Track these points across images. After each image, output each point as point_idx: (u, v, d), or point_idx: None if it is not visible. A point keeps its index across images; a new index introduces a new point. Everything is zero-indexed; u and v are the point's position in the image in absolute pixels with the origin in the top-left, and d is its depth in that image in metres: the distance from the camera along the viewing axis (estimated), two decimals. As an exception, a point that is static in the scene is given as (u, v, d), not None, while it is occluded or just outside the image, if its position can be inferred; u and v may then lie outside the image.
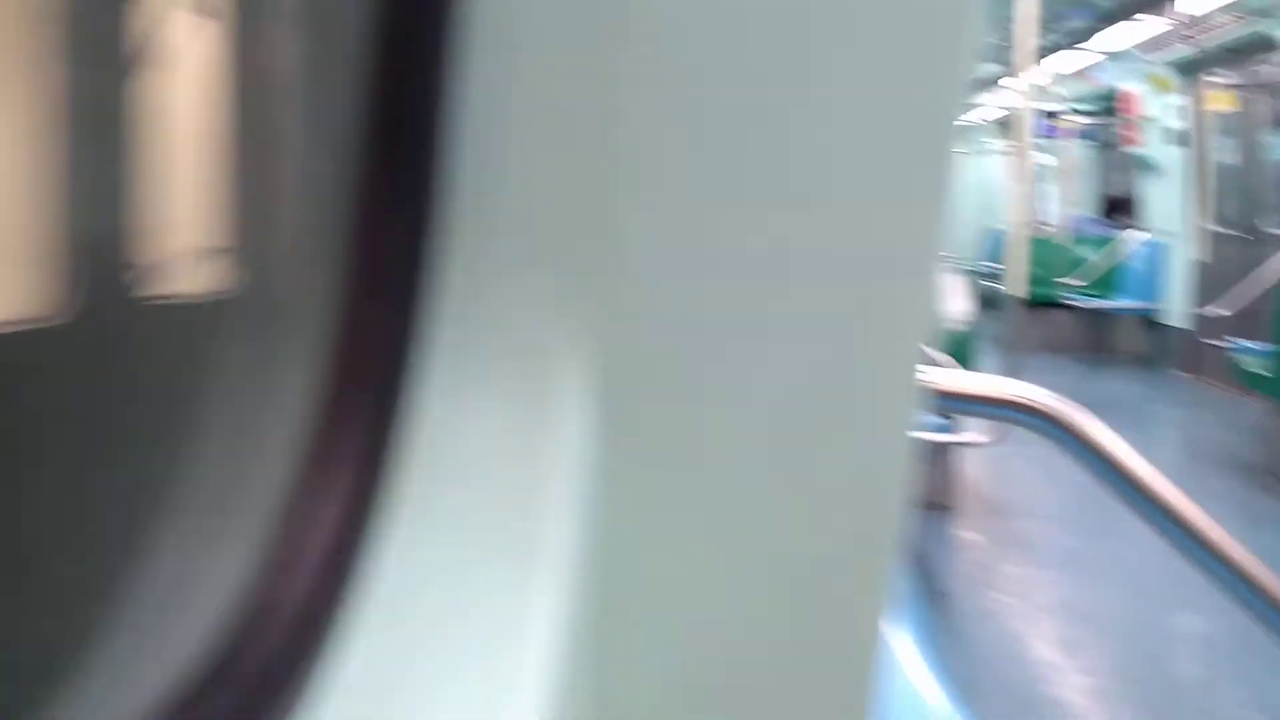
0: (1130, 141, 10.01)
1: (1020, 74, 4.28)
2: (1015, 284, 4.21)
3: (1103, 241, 10.17)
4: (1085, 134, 11.34)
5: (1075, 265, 9.71)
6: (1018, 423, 0.97)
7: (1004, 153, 13.37)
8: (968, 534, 4.71)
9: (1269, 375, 5.43)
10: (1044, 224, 12.48)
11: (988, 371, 5.08)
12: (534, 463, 0.47)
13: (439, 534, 0.46)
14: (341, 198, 0.46)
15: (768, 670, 0.51)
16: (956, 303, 5.12)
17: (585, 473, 0.48)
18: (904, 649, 0.67)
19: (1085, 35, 9.09)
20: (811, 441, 0.50)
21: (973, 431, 3.98)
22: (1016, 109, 4.67)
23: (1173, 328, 9.16)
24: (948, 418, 4.12)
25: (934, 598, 3.91)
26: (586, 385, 0.48)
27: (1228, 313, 6.80)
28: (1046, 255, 9.93)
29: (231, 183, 0.78)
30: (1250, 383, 5.74)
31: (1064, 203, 10.80)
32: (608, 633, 0.50)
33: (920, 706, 0.67)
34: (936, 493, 4.87)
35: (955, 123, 0.47)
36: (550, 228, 0.47)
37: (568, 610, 0.46)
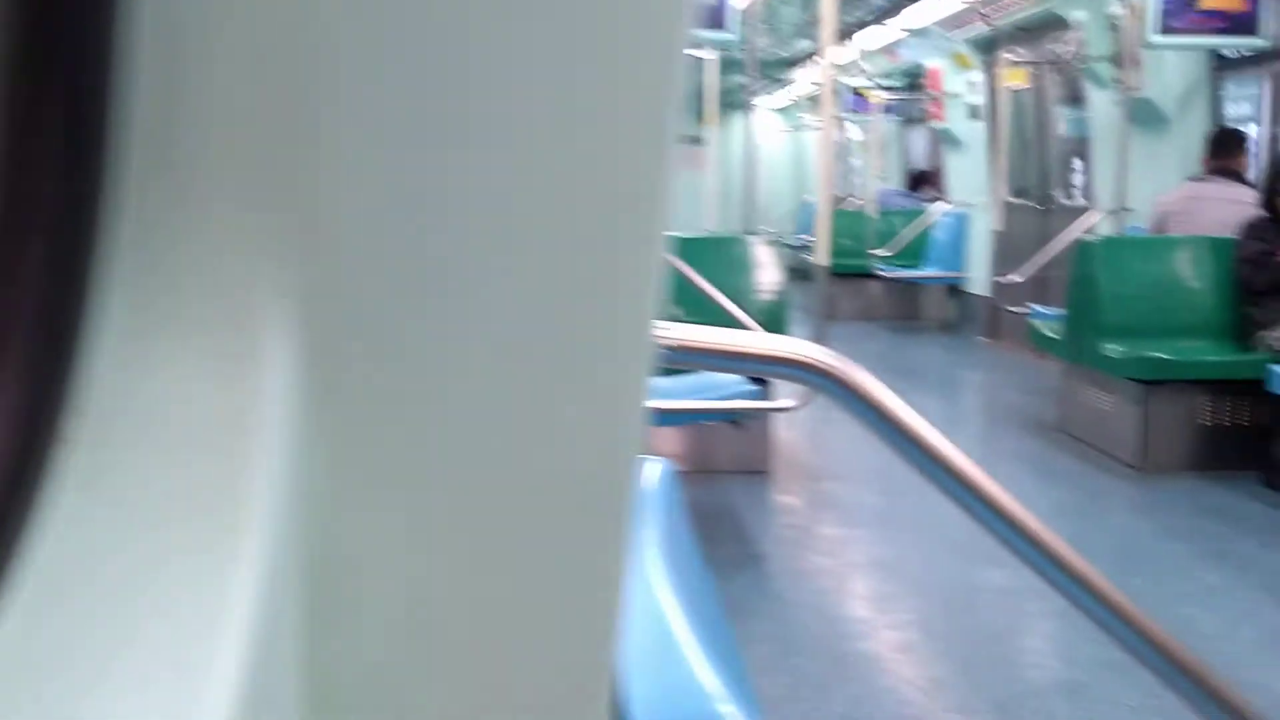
0: (934, 116, 10.39)
1: (825, 50, 4.36)
2: (822, 254, 4.33)
3: (909, 213, 10.54)
4: (891, 109, 11.72)
5: (884, 237, 10.04)
6: (791, 378, 0.96)
7: (816, 128, 13.73)
8: (783, 497, 4.82)
9: (1061, 338, 5.72)
10: (854, 197, 12.87)
11: (801, 336, 5.20)
12: (232, 417, 0.42)
13: (117, 498, 0.40)
14: None
15: (499, 640, 0.48)
16: (768, 273, 5.21)
17: (291, 427, 0.43)
18: (676, 619, 0.65)
19: (891, 12, 9.36)
20: (539, 398, 0.46)
21: (783, 397, 4.06)
22: (823, 85, 4.77)
23: (975, 295, 9.58)
24: (761, 383, 4.20)
25: (750, 561, 3.98)
26: (291, 331, 0.43)
27: (1021, 279, 7.14)
28: (856, 227, 10.24)
29: None
30: (1044, 346, 6.04)
31: (873, 176, 11.14)
32: (320, 602, 0.46)
33: (681, 678, 0.65)
34: (752, 458, 4.96)
35: (674, 94, 0.44)
36: (243, 156, 0.42)
37: (272, 578, 0.41)
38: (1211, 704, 0.95)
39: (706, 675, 0.54)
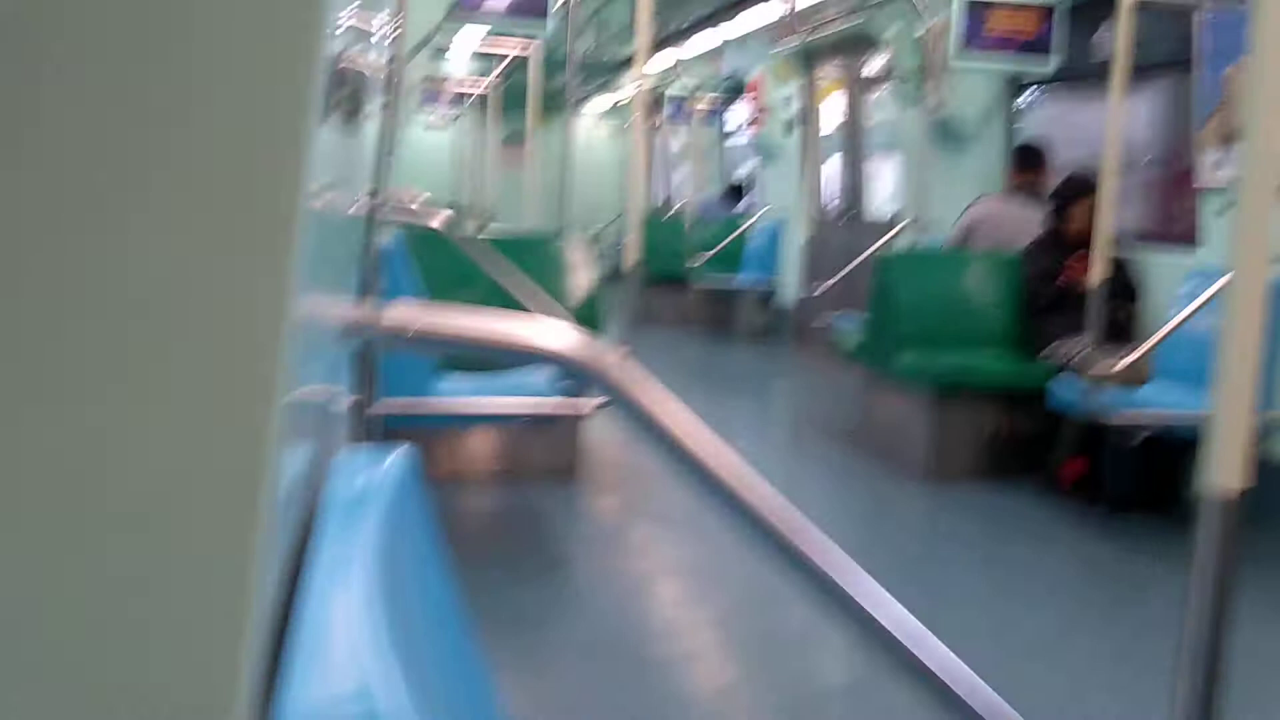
0: (753, 126, 10.61)
1: (642, 54, 4.39)
2: (632, 258, 4.37)
3: (729, 222, 10.72)
4: (712, 118, 11.90)
5: (703, 244, 10.20)
6: (566, 370, 0.93)
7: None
8: (590, 499, 4.82)
9: (860, 347, 5.90)
10: (672, 204, 13.03)
11: (610, 340, 5.21)
12: None
13: None
14: None
15: (105, 646, 0.44)
16: (583, 274, 5.21)
17: None
18: (366, 625, 0.61)
19: (713, 20, 9.50)
20: (150, 385, 0.43)
21: (589, 399, 4.05)
22: (639, 89, 4.81)
23: (786, 304, 9.81)
24: (576, 384, 4.18)
25: (554, 566, 3.96)
26: None
27: (825, 289, 7.34)
28: (674, 234, 10.36)
29: None
30: (846, 355, 6.23)
31: (693, 184, 11.30)
32: None
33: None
34: (561, 460, 4.94)
35: (307, 104, 0.43)
36: None
37: None
38: (976, 712, 0.97)
39: (388, 691, 0.51)
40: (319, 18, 0.42)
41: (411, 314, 0.85)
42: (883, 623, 0.97)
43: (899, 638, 0.97)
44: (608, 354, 0.92)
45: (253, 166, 0.42)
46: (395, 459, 0.80)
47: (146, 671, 0.43)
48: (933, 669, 0.97)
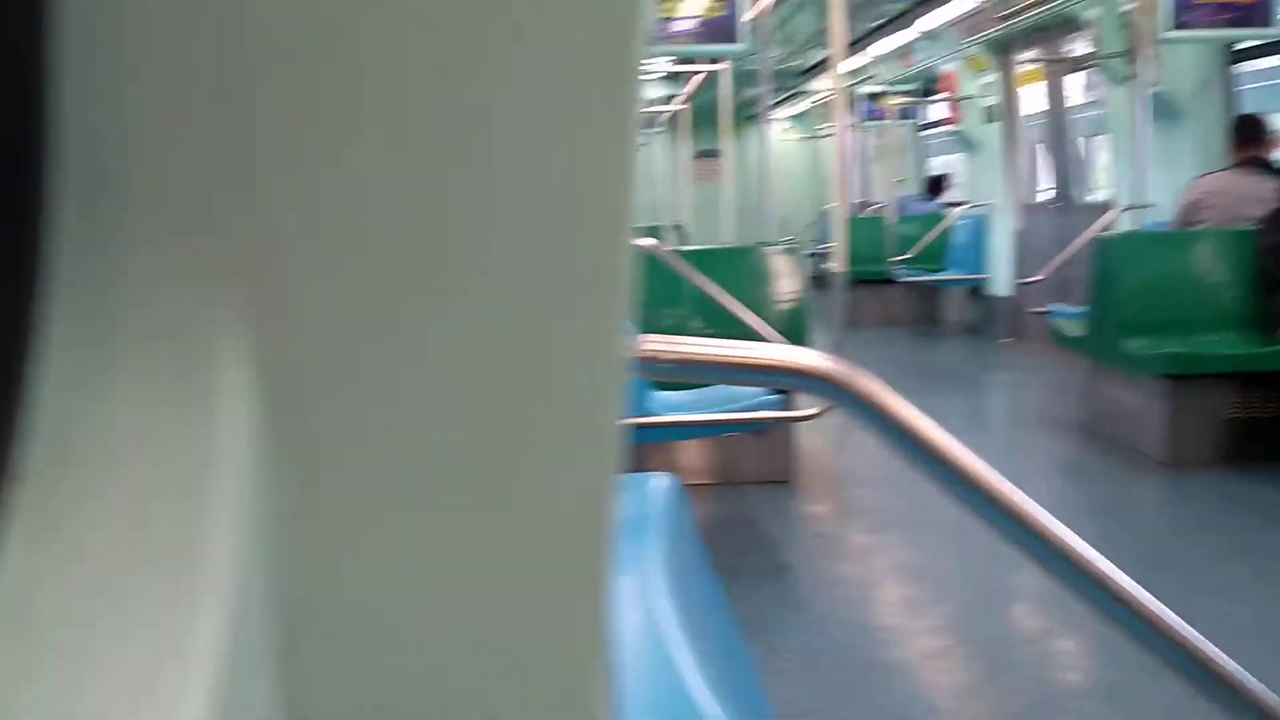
0: (951, 120, 10.36)
1: (837, 57, 4.36)
2: (840, 261, 4.32)
3: (928, 218, 10.50)
4: (906, 114, 11.68)
5: (903, 242, 10.00)
6: (803, 389, 0.95)
7: (832, 135, 13.71)
8: (808, 506, 4.80)
9: (1082, 336, 5.68)
10: (871, 203, 12.84)
11: (822, 348, 5.18)
12: (190, 453, 0.41)
13: (72, 544, 0.39)
14: None
15: (477, 668, 0.47)
16: (786, 282, 5.20)
17: (251, 461, 0.43)
18: (676, 639, 0.64)
19: (904, 17, 9.34)
20: (507, 415, 0.45)
21: (805, 405, 4.04)
22: (835, 92, 4.77)
23: (997, 297, 9.53)
24: (782, 393, 4.18)
25: (775, 572, 3.96)
26: (245, 360, 0.43)
27: (1041, 278, 7.10)
28: (875, 233, 10.21)
29: None
30: (1067, 344, 6.00)
31: (891, 182, 11.11)
32: (294, 643, 0.45)
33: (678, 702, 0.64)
34: (775, 468, 4.94)
35: (633, 104, 0.43)
36: (179, 180, 0.41)
37: (240, 622, 0.40)
38: (1248, 708, 0.93)
39: (703, 695, 0.53)
40: (635, 61, 0.44)
41: (661, 344, 0.88)
42: (1138, 617, 0.94)
43: (1157, 632, 0.94)
44: (850, 371, 0.93)
45: (590, 206, 0.44)
46: (664, 484, 0.84)
47: (512, 694, 0.47)
48: (1196, 664, 0.94)
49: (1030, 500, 0.96)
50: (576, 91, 0.42)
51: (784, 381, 0.97)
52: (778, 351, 0.95)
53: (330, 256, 0.42)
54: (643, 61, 0.44)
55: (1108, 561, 0.95)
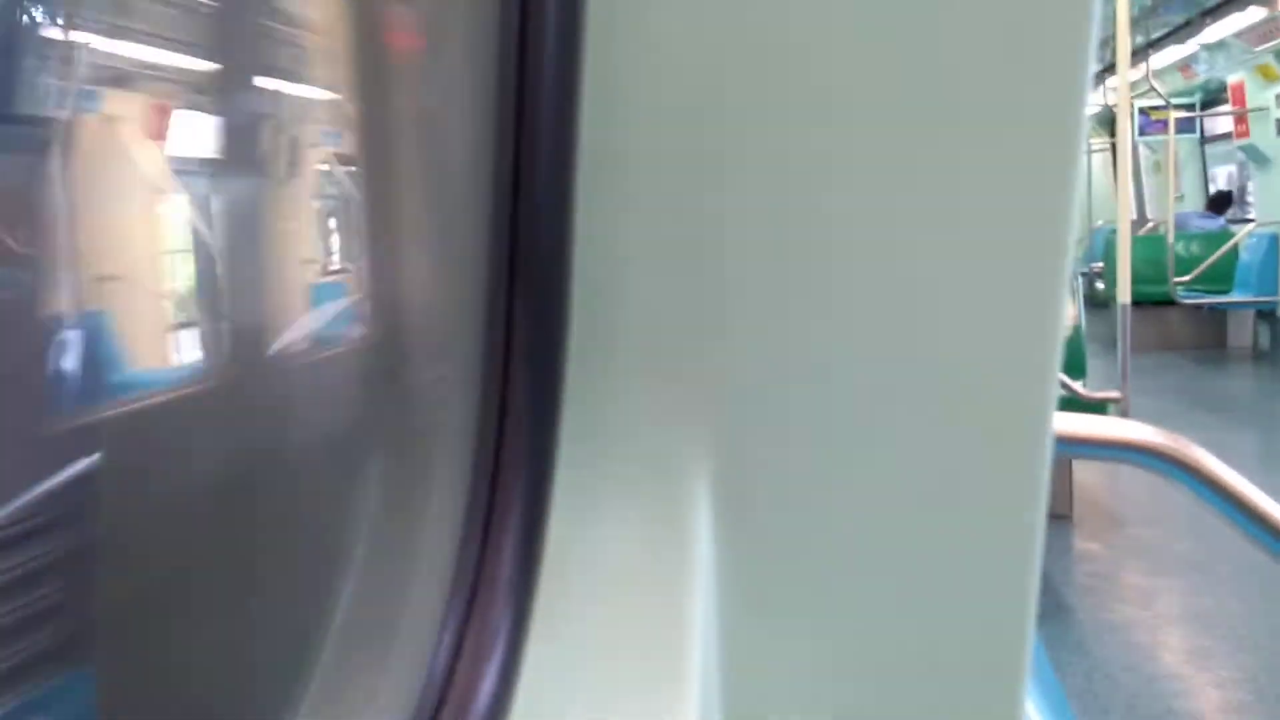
0: (1240, 134, 9.72)
1: (1120, 69, 4.20)
2: (1122, 283, 4.08)
3: (1210, 236, 9.89)
4: (1182, 128, 11.02)
5: (1183, 262, 9.45)
6: (1134, 464, 0.98)
7: (1103, 150, 13.08)
8: (1086, 544, 4.63)
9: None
10: (1150, 220, 12.18)
11: (1096, 372, 4.98)
12: (668, 575, 0.50)
13: (578, 654, 0.48)
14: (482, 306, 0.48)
15: None
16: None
17: (711, 574, 0.50)
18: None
19: (1189, 28, 8.85)
20: (944, 528, 0.51)
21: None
22: (1117, 105, 4.57)
23: (1291, 322, 8.87)
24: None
25: (1053, 613, 3.85)
26: (706, 488, 0.51)
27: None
28: (1152, 252, 9.69)
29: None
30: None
31: (1170, 198, 10.51)
32: None
33: None
34: (1052, 502, 4.78)
35: (1080, 124, 0.46)
36: (666, 339, 0.50)
37: (704, 711, 0.48)
38: None
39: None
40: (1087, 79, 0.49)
41: None
42: None
43: None
44: (1181, 445, 0.95)
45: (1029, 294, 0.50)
46: None
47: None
48: None
49: None
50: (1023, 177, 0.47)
51: (1115, 456, 1.00)
52: (1109, 426, 0.98)
53: (777, 400, 0.50)
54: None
55: None
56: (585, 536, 0.50)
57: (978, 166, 0.47)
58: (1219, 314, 9.69)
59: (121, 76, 0.50)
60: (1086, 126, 0.46)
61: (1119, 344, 4.16)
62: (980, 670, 0.53)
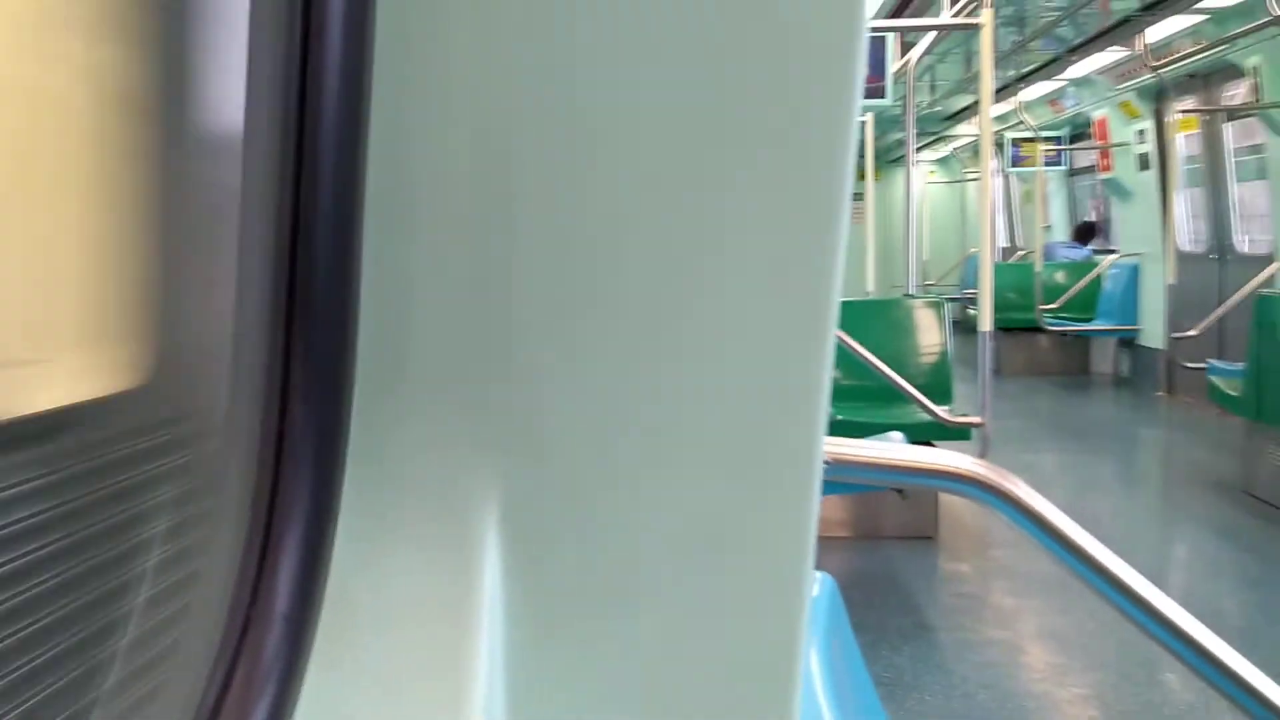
0: (1102, 167, 10.13)
1: (982, 105, 4.35)
2: (984, 311, 4.21)
3: (1076, 266, 10.27)
4: (1051, 160, 11.45)
5: (1050, 289, 9.80)
6: (955, 492, 1.01)
7: (975, 178, 13.50)
8: (951, 565, 4.74)
9: (1243, 395, 5.49)
10: (1019, 249, 12.60)
11: (963, 397, 5.12)
12: (454, 602, 0.50)
13: (359, 684, 0.47)
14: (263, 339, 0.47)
15: None
16: (929, 336, 5.17)
17: (499, 605, 0.51)
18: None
19: (1055, 64, 9.21)
20: (717, 555, 0.52)
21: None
22: (980, 138, 4.73)
23: (1149, 348, 9.24)
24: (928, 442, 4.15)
25: (917, 632, 3.93)
26: (496, 518, 0.51)
27: (1195, 333, 6.88)
28: (1022, 279, 10.03)
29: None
30: (1225, 403, 5.80)
31: (1038, 228, 10.90)
32: None
33: None
34: (918, 524, 4.90)
35: (848, 148, 0.47)
36: (455, 363, 0.50)
37: None
38: None
39: None
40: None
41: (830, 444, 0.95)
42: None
43: None
44: (999, 475, 0.99)
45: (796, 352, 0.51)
46: (820, 583, 0.90)
47: None
48: None
49: (1171, 601, 0.99)
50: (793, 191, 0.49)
51: (938, 485, 1.03)
52: (932, 456, 1.01)
53: (569, 434, 0.50)
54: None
55: (1260, 672, 0.97)
56: (370, 564, 0.49)
57: (750, 193, 0.48)
58: (1083, 341, 10.06)
59: None
60: (854, 152, 0.47)
61: (979, 370, 4.29)
62: (754, 688, 0.54)
